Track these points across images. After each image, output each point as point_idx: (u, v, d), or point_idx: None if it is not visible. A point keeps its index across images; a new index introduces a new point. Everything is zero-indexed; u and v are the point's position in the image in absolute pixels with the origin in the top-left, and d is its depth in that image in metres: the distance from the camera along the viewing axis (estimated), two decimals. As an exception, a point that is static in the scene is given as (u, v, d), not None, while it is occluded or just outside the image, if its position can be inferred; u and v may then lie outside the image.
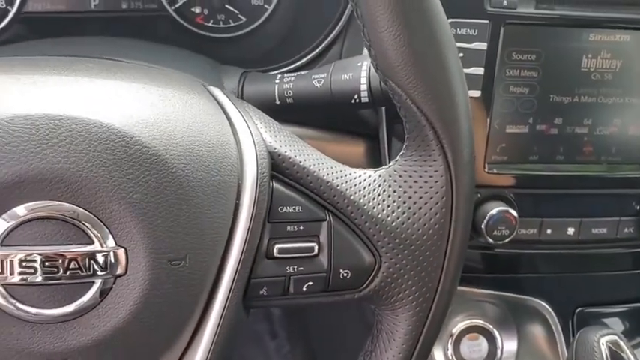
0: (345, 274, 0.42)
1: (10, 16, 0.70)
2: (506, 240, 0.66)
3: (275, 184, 0.42)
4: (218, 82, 0.55)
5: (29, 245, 0.35)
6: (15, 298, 0.36)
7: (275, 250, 0.41)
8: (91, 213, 0.36)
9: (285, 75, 0.56)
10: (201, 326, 0.41)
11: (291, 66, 0.66)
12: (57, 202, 0.36)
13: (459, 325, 0.72)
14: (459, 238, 0.43)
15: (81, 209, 0.36)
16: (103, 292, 0.37)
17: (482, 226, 0.64)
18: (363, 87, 0.52)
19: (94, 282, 0.37)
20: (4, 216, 0.35)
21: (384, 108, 0.64)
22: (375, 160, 0.68)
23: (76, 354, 0.37)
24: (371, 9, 0.38)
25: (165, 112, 0.39)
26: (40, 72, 0.40)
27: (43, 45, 0.62)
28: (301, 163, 0.42)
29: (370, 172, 0.44)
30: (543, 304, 0.72)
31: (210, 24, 0.74)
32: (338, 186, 0.42)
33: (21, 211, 0.35)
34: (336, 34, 0.64)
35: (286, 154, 0.42)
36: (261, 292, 0.41)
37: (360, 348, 0.48)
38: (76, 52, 0.55)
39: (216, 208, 0.39)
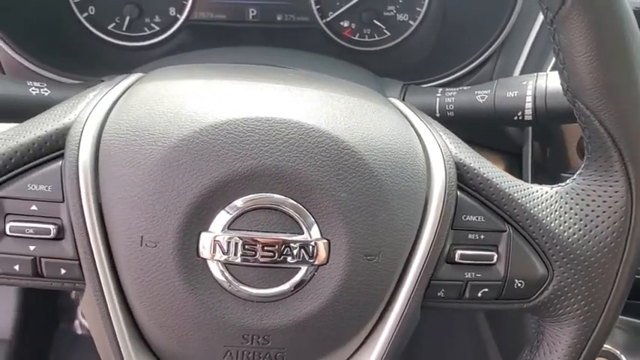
0: (519, 285, 0.44)
1: (179, 23, 0.76)
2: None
3: (459, 193, 0.44)
4: (381, 94, 0.59)
5: (251, 231, 0.40)
6: (234, 277, 0.40)
7: (456, 256, 0.44)
8: (304, 206, 0.40)
9: (447, 89, 0.59)
10: (381, 321, 0.44)
11: (439, 82, 0.69)
12: (275, 195, 0.40)
13: (585, 347, 0.72)
14: (632, 258, 0.44)
15: (295, 202, 0.40)
16: (306, 279, 0.41)
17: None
18: (528, 105, 0.54)
19: (300, 268, 0.40)
20: (226, 208, 0.40)
21: (530, 127, 0.66)
22: (515, 176, 0.69)
23: (278, 332, 0.41)
24: (569, 35, 0.40)
25: (364, 120, 0.43)
26: (253, 79, 0.45)
27: (211, 54, 0.67)
28: (484, 175, 0.44)
29: (546, 187, 0.46)
30: (678, 335, 0.71)
31: (356, 37, 0.78)
32: (518, 199, 0.44)
33: (239, 203, 0.40)
34: (489, 54, 0.66)
35: (471, 165, 0.45)
36: (439, 293, 0.44)
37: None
38: (246, 61, 0.59)
39: (408, 212, 0.42)
